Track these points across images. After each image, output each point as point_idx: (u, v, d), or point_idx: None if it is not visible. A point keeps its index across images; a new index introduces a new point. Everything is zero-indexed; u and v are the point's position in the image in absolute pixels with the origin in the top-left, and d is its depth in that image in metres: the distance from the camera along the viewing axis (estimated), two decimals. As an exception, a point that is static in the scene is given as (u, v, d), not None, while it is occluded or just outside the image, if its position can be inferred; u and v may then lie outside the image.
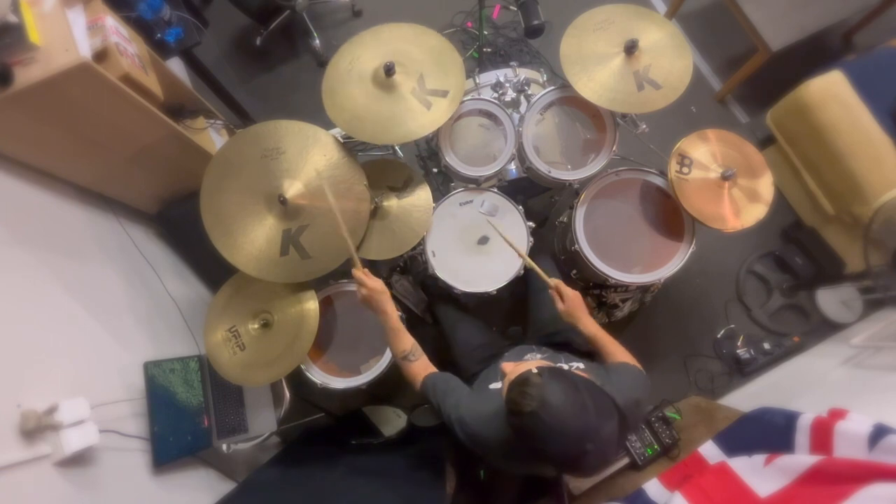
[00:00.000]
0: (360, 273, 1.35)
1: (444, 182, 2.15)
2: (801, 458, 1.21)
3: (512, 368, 1.03)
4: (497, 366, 1.38)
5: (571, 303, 1.32)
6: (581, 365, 1.24)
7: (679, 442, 1.76)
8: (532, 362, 1.04)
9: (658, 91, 1.51)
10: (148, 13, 1.77)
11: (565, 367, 1.21)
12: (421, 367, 1.32)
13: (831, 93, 1.99)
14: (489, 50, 2.62)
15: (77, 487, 1.21)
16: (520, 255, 1.47)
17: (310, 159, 1.47)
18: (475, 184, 1.67)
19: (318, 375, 1.61)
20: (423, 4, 2.65)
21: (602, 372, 1.22)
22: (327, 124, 1.50)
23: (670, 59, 1.54)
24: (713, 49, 2.67)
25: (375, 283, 1.35)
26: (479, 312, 1.72)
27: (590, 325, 1.32)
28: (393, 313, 1.35)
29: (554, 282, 1.35)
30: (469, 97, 1.64)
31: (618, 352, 1.30)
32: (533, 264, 1.41)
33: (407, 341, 1.34)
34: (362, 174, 1.50)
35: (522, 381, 0.94)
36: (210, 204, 1.47)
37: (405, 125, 1.46)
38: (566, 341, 1.53)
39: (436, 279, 1.60)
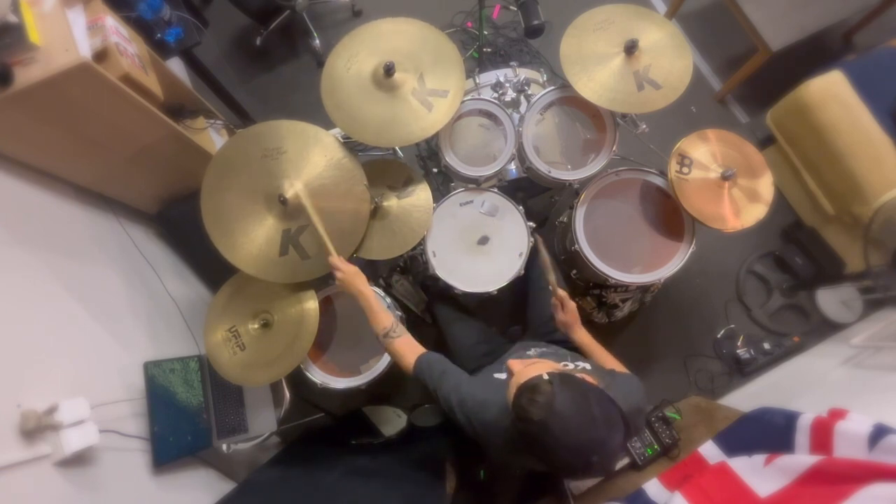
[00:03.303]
0: (336, 259, 1.41)
1: (444, 182, 2.15)
2: (801, 458, 1.21)
3: (520, 368, 1.01)
4: (500, 361, 1.38)
5: (572, 314, 1.37)
6: (587, 366, 1.23)
7: (679, 442, 1.76)
8: (542, 363, 1.02)
9: (658, 91, 1.51)
10: (148, 13, 1.77)
11: (571, 366, 1.21)
12: (406, 344, 1.31)
13: (831, 93, 1.99)
14: (489, 50, 2.62)
15: (77, 487, 1.21)
16: (544, 267, 1.38)
17: (310, 159, 1.47)
18: (475, 184, 1.67)
19: (318, 375, 1.61)
20: (423, 4, 2.64)
21: (606, 374, 1.22)
22: (327, 124, 1.50)
23: (670, 59, 1.54)
24: (713, 49, 2.67)
25: (349, 267, 1.40)
26: (480, 312, 1.72)
27: (583, 336, 1.37)
28: (369, 293, 1.38)
29: (561, 293, 1.37)
30: (469, 97, 1.64)
31: (609, 361, 1.32)
32: (551, 278, 1.36)
33: (387, 318, 1.34)
34: (362, 174, 1.50)
35: (532, 388, 0.91)
36: (210, 204, 1.47)
37: (407, 127, 1.46)
38: (565, 339, 1.53)
39: (436, 279, 1.60)
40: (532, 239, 1.60)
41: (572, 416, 0.88)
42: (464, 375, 1.24)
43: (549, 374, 0.94)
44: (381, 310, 1.36)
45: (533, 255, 1.61)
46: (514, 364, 1.05)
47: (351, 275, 1.38)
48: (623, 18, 1.57)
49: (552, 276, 1.35)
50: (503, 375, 1.25)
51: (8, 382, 1.15)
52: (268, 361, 1.53)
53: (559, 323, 1.38)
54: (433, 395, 1.22)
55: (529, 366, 1.01)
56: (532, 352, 1.35)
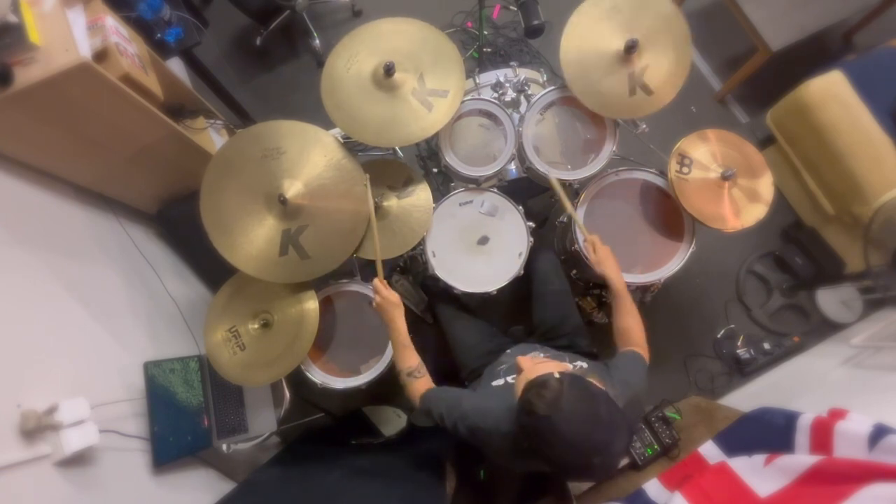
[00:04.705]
0: (380, 283, 1.37)
1: (444, 182, 2.15)
2: (801, 458, 1.21)
3: (530, 365, 1.03)
4: (498, 364, 1.38)
5: (603, 254, 1.46)
6: (585, 364, 1.24)
7: (679, 442, 1.76)
8: (550, 363, 1.03)
9: (649, 97, 1.51)
10: (148, 13, 1.77)
11: (570, 366, 1.21)
12: (424, 384, 1.32)
13: (831, 93, 1.99)
14: (489, 50, 2.62)
15: (77, 487, 1.21)
16: (567, 208, 1.55)
17: (310, 159, 1.47)
18: (475, 184, 1.67)
19: (318, 375, 1.61)
20: (423, 4, 2.64)
21: (604, 370, 1.23)
22: (327, 124, 1.50)
23: (670, 60, 1.53)
24: (713, 49, 2.66)
25: (391, 296, 1.35)
26: (480, 312, 1.72)
27: (618, 280, 1.40)
28: (403, 329, 1.35)
29: (591, 237, 1.50)
30: (469, 97, 1.64)
31: (632, 319, 1.34)
32: (577, 217, 1.54)
33: (414, 358, 1.33)
34: (362, 174, 1.50)
35: (541, 384, 0.93)
36: (210, 204, 1.46)
37: (407, 127, 1.46)
38: (569, 344, 1.54)
39: (436, 279, 1.60)
40: (531, 239, 1.60)
41: (578, 414, 0.90)
42: (464, 392, 1.26)
43: (559, 373, 0.96)
44: (410, 347, 1.35)
45: (532, 255, 1.61)
46: (524, 361, 1.06)
47: (392, 304, 1.35)
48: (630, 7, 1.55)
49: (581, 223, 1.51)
50: (501, 382, 1.26)
51: (8, 382, 1.15)
52: (268, 361, 1.53)
53: (593, 263, 1.45)
54: (439, 422, 1.22)
55: (538, 364, 1.03)
56: (532, 355, 1.35)
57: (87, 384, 1.37)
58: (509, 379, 1.27)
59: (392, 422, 2.09)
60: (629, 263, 1.64)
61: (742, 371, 2.22)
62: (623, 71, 1.52)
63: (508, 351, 1.47)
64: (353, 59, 1.50)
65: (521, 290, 1.69)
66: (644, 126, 1.67)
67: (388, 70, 1.43)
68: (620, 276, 1.42)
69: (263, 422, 1.76)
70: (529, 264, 1.60)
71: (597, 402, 0.93)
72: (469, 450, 1.75)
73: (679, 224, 1.64)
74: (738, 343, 2.24)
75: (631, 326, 1.34)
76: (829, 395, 1.64)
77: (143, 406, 1.52)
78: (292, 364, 1.52)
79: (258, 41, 2.72)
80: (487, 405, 1.17)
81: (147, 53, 1.71)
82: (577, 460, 0.91)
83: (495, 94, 1.80)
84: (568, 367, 1.07)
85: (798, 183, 2.25)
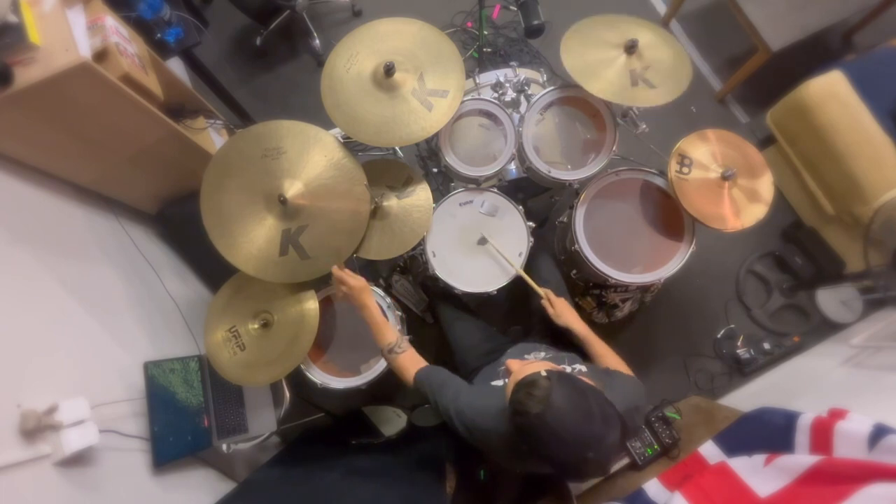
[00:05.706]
0: (341, 272, 1.41)
1: (444, 182, 2.15)
2: (801, 458, 1.21)
3: (518, 367, 1.03)
4: (499, 364, 1.38)
5: (560, 307, 1.46)
6: (584, 368, 1.24)
7: (679, 442, 1.76)
8: (539, 363, 1.03)
9: (652, 90, 1.50)
10: (148, 13, 1.78)
11: (568, 369, 1.22)
12: (409, 359, 1.32)
13: (831, 93, 1.99)
14: (489, 50, 2.62)
15: (77, 487, 1.21)
16: (511, 265, 1.57)
17: (310, 159, 1.47)
18: (475, 184, 1.67)
19: (318, 375, 1.61)
20: (423, 4, 2.65)
21: (604, 376, 1.22)
22: (327, 124, 1.50)
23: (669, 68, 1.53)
24: (713, 49, 2.66)
25: (357, 282, 1.40)
26: (480, 312, 1.72)
27: (581, 328, 1.41)
28: (374, 307, 1.39)
29: (543, 291, 1.49)
30: (469, 97, 1.64)
31: (608, 355, 1.34)
32: (524, 274, 1.54)
33: (391, 333, 1.35)
34: (362, 174, 1.50)
35: (529, 383, 0.94)
36: (210, 204, 1.47)
37: (407, 127, 1.46)
38: (566, 326, 1.53)
39: (436, 279, 1.60)
40: (531, 239, 1.60)
41: (569, 410, 0.90)
42: (462, 385, 1.25)
43: (546, 371, 0.96)
44: (386, 324, 1.38)
45: (532, 255, 1.61)
46: (513, 363, 1.07)
47: (358, 289, 1.39)
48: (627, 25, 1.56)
49: (530, 280, 1.51)
50: (500, 383, 1.26)
51: (8, 382, 1.15)
52: (268, 361, 1.53)
53: (553, 318, 1.45)
54: (433, 406, 1.23)
55: (527, 365, 1.03)
56: (531, 356, 1.35)
57: (87, 384, 1.37)
58: (508, 380, 1.27)
59: (392, 422, 2.09)
60: (629, 263, 1.64)
61: (742, 371, 2.22)
62: (624, 68, 1.52)
63: (509, 351, 1.47)
64: (353, 59, 1.50)
65: (521, 290, 1.69)
66: (644, 126, 1.67)
67: (388, 70, 1.43)
68: (582, 323, 1.42)
69: (263, 422, 1.76)
70: (529, 264, 1.60)
71: (586, 396, 0.93)
72: (469, 450, 1.75)
73: (679, 224, 1.64)
74: (738, 343, 2.24)
75: (605, 354, 1.34)
76: (829, 395, 1.64)
77: (143, 406, 1.52)
78: (292, 364, 1.52)
79: (258, 41, 2.72)
80: (485, 404, 1.17)
81: (147, 53, 1.71)
82: (571, 457, 0.91)
83: (495, 94, 1.80)
84: (555, 366, 1.07)
85: (798, 183, 2.25)
